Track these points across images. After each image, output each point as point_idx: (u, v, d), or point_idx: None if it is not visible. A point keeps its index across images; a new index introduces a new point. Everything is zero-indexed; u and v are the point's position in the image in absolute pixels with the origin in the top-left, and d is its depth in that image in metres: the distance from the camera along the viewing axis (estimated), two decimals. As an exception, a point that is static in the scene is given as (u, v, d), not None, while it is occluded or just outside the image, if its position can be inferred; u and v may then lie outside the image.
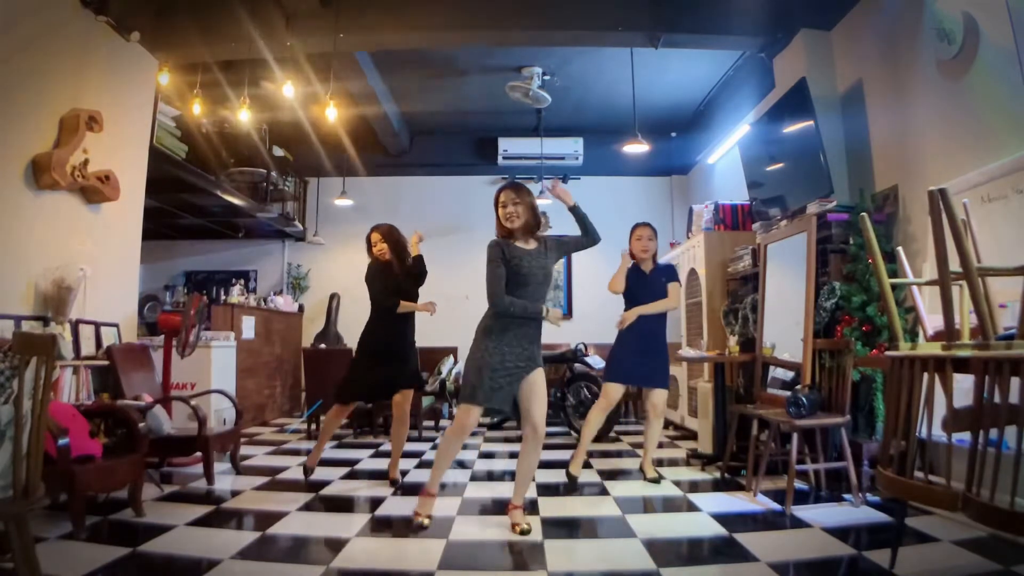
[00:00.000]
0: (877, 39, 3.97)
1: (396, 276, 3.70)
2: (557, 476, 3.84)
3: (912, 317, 3.23)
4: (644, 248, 3.79)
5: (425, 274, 3.83)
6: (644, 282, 3.79)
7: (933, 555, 2.33)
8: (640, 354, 3.71)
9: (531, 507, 3.14)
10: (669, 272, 3.86)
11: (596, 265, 7.16)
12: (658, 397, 3.77)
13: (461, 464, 4.34)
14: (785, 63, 4.70)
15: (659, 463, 4.25)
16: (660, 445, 5.03)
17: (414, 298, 3.76)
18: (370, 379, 3.63)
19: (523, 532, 2.65)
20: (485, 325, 2.79)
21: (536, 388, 2.78)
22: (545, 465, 4.18)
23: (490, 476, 4.00)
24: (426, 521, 2.76)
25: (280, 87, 4.86)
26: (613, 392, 3.74)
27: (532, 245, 2.86)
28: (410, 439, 5.37)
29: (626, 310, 3.79)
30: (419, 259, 3.81)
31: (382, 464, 4.06)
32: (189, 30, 4.65)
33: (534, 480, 3.74)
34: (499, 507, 3.21)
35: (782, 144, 4.54)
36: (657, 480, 3.66)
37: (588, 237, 2.96)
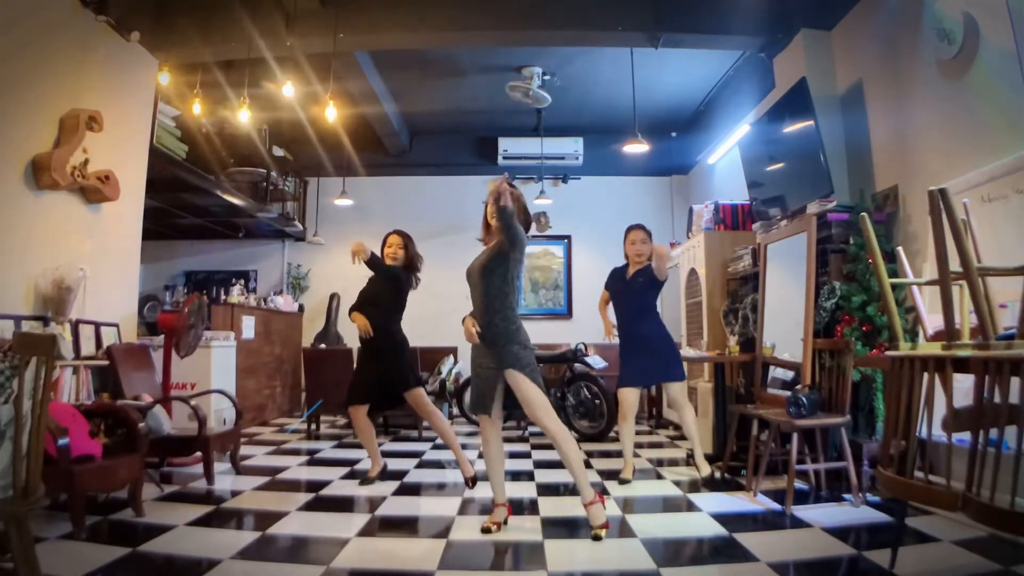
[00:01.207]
0: (877, 39, 3.97)
1: (373, 280, 3.74)
2: (557, 476, 3.84)
3: (912, 317, 3.23)
4: (638, 252, 3.78)
5: (397, 279, 3.72)
6: (624, 285, 3.81)
7: (933, 555, 2.33)
8: (644, 354, 3.72)
9: (530, 507, 3.14)
10: (649, 269, 3.79)
11: (597, 265, 7.15)
12: (674, 391, 3.76)
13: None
14: (785, 63, 4.70)
15: (659, 463, 4.25)
16: (660, 445, 5.04)
17: (390, 303, 3.73)
18: (368, 380, 3.67)
19: (595, 538, 2.58)
20: None
21: (520, 393, 2.66)
22: (545, 465, 4.19)
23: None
24: (491, 527, 2.71)
25: (280, 87, 4.86)
26: (624, 397, 3.75)
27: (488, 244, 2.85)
28: (410, 439, 5.38)
29: (616, 316, 3.86)
30: (395, 273, 3.73)
31: (382, 464, 4.06)
32: (189, 30, 4.65)
33: (533, 480, 3.75)
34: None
35: (782, 144, 4.54)
36: (711, 477, 3.64)
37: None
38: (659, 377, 3.80)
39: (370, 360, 3.72)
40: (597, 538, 2.57)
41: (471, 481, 3.49)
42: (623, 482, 3.61)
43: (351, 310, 3.75)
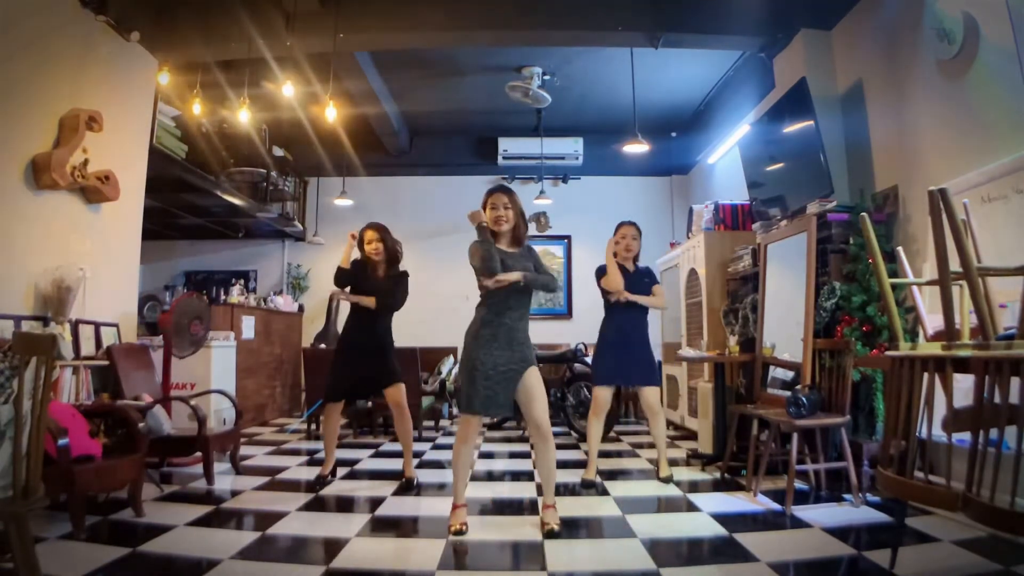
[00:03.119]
0: (877, 39, 3.97)
1: (374, 279, 3.72)
2: (557, 476, 3.83)
3: (912, 317, 3.23)
4: (627, 248, 3.77)
5: (397, 292, 3.70)
6: (629, 280, 3.78)
7: (933, 555, 2.33)
8: (621, 351, 3.69)
9: (531, 507, 3.14)
10: (651, 274, 3.87)
11: (596, 265, 7.15)
12: (650, 395, 3.72)
13: (461, 464, 4.34)
14: (785, 63, 4.70)
15: (658, 463, 4.25)
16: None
17: (383, 300, 3.70)
18: (351, 376, 3.66)
19: (549, 533, 2.63)
20: (474, 331, 2.79)
21: (532, 389, 2.76)
22: (545, 465, 4.18)
23: (490, 476, 4.00)
24: (463, 528, 2.69)
25: (280, 87, 4.86)
26: (600, 395, 3.71)
27: (515, 249, 2.88)
28: (410, 439, 5.37)
29: (608, 313, 3.81)
30: (402, 277, 3.74)
31: (382, 464, 4.06)
32: (189, 30, 4.65)
33: (533, 480, 3.75)
34: (499, 507, 3.22)
35: (782, 144, 4.54)
36: (669, 479, 3.62)
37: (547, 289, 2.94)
38: (638, 380, 3.75)
39: (354, 358, 3.67)
40: (552, 533, 2.63)
41: (409, 483, 3.54)
42: (587, 484, 3.55)
43: (349, 289, 3.76)
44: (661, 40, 4.63)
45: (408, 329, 7.00)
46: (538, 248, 7.84)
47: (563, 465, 4.26)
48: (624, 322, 3.74)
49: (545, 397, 2.80)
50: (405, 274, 3.78)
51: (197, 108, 4.76)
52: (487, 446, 5.07)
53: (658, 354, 6.35)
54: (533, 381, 2.77)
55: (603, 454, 4.61)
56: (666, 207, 7.94)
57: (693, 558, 2.50)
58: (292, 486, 3.66)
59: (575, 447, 4.99)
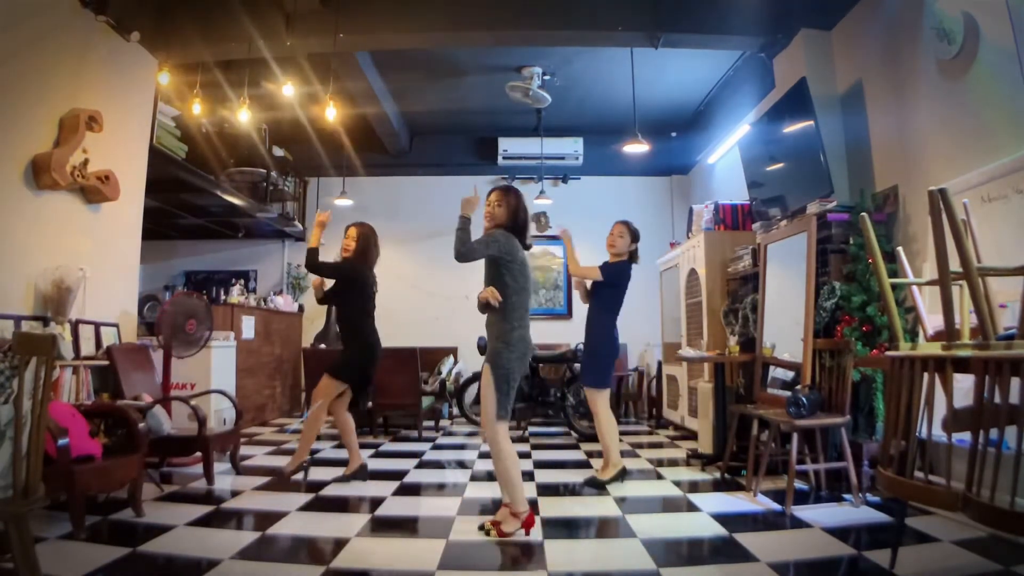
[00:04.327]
0: (877, 39, 3.97)
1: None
2: (557, 477, 3.84)
3: (912, 317, 3.23)
4: (611, 244, 3.85)
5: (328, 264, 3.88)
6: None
7: (933, 555, 2.33)
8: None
9: (531, 507, 3.13)
10: (608, 263, 3.82)
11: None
12: (586, 395, 3.80)
13: (461, 464, 4.34)
14: (785, 63, 4.70)
15: (659, 463, 4.25)
16: (660, 445, 5.04)
17: (341, 296, 3.87)
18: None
19: (483, 528, 2.69)
20: None
21: (481, 388, 2.75)
22: (544, 465, 4.19)
23: (490, 476, 3.99)
24: (488, 526, 2.70)
25: (280, 87, 4.86)
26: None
27: None
28: (410, 439, 5.37)
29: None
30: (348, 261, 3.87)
31: (382, 464, 4.07)
32: (189, 30, 4.65)
33: (533, 480, 3.75)
34: (499, 507, 3.21)
35: (782, 144, 4.54)
36: (599, 483, 3.54)
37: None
38: (581, 378, 3.88)
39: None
40: (485, 530, 2.65)
41: (359, 470, 3.69)
42: (597, 484, 3.55)
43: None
44: (661, 40, 4.63)
45: (408, 329, 7.03)
46: (538, 248, 7.90)
47: (563, 465, 4.28)
48: (587, 315, 3.89)
49: (489, 397, 2.65)
50: (355, 261, 3.87)
51: (197, 108, 4.76)
52: (487, 446, 5.06)
53: (658, 353, 6.37)
54: (482, 381, 2.72)
55: (601, 454, 4.61)
56: (666, 207, 7.94)
57: (693, 558, 2.50)
58: (292, 486, 3.66)
59: (575, 447, 5.00)
